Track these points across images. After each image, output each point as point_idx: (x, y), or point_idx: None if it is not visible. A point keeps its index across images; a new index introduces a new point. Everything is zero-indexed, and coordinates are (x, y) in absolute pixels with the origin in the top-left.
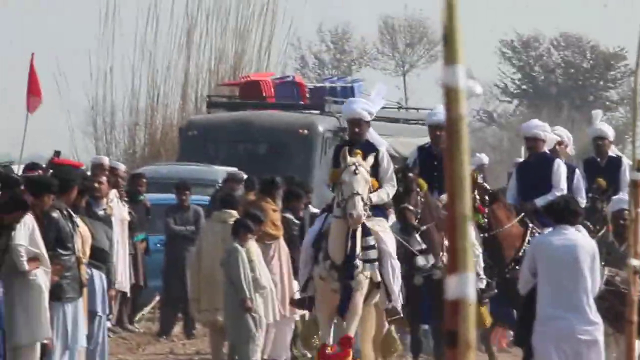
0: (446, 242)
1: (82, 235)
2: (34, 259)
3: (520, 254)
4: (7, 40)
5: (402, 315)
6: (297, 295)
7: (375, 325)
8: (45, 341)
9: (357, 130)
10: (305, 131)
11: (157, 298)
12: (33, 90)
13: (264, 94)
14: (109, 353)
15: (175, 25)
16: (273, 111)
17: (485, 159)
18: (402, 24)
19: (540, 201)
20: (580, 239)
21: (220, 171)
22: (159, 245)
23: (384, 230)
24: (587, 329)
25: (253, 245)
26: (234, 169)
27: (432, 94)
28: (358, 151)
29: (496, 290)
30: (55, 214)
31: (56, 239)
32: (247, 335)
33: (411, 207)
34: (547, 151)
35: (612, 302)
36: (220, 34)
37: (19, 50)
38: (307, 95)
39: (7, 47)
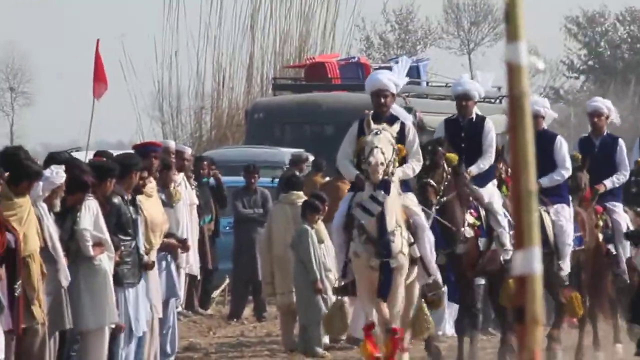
0: (469, 218)
1: (159, 221)
2: (98, 244)
3: None
4: (73, 25)
5: (443, 288)
6: (338, 283)
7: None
8: (112, 326)
9: (382, 101)
10: (372, 112)
11: (227, 281)
12: (99, 76)
13: (329, 76)
14: (180, 337)
15: (240, 8)
16: (339, 92)
17: None
18: (466, 2)
19: (545, 181)
20: None
21: (287, 153)
22: (227, 228)
23: (415, 204)
24: None
25: (321, 225)
26: (299, 151)
27: (497, 71)
28: (384, 122)
29: None
30: (116, 200)
31: (116, 224)
32: (317, 316)
33: (433, 183)
34: (546, 127)
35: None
36: (284, 15)
37: (85, 35)
38: None
39: (73, 33)
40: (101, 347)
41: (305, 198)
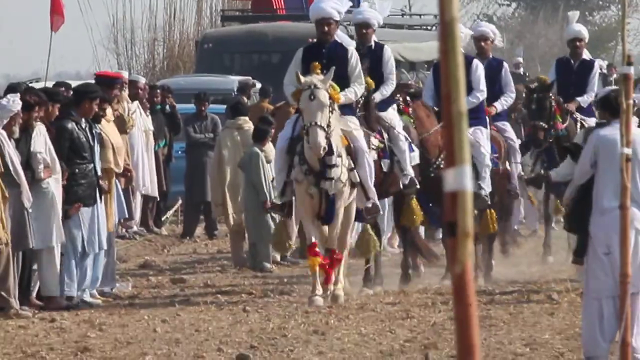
0: (374, 141)
1: (120, 145)
2: (46, 167)
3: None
4: None
5: (381, 212)
6: (277, 201)
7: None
8: (59, 244)
9: (326, 29)
10: (315, 40)
11: (180, 202)
12: (56, 9)
13: (274, 7)
14: (136, 255)
15: None
16: (284, 22)
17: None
18: None
19: None
20: (637, 133)
21: (235, 81)
22: (180, 152)
23: (356, 128)
24: None
25: (269, 146)
26: (246, 78)
27: (434, 0)
28: (317, 64)
29: (418, 186)
30: (69, 125)
31: (70, 147)
32: (267, 234)
33: None
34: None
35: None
36: None
37: None
38: None
39: None
40: (53, 265)
41: (251, 123)
